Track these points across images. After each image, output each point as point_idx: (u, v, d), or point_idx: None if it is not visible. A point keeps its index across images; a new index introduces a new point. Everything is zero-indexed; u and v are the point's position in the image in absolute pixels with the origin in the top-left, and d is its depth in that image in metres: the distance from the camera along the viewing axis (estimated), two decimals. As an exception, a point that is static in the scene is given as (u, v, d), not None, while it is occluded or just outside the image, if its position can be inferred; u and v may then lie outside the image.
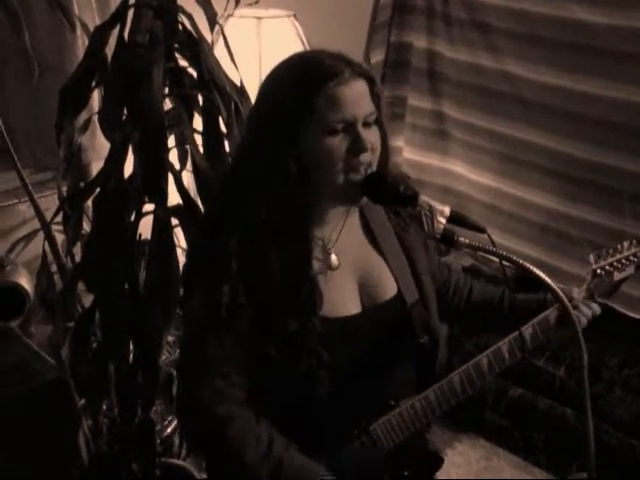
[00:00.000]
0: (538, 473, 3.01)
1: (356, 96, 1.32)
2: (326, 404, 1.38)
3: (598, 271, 1.66)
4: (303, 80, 1.31)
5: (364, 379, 1.44)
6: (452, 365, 1.56)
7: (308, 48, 2.60)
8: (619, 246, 1.70)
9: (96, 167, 2.06)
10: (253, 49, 2.52)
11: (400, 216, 1.55)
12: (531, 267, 1.31)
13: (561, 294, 1.34)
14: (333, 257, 1.44)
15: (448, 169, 3.52)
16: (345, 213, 1.47)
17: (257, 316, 1.34)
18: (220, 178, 1.51)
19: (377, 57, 3.52)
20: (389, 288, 1.50)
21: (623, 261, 1.69)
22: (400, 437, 1.46)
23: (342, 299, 1.44)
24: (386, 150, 1.43)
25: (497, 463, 3.07)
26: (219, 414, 1.35)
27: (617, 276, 1.70)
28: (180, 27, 1.89)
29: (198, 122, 1.97)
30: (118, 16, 1.84)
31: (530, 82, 3.07)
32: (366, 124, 1.34)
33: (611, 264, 1.67)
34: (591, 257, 1.66)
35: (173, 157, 1.98)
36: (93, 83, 1.92)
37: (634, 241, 1.73)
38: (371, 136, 1.36)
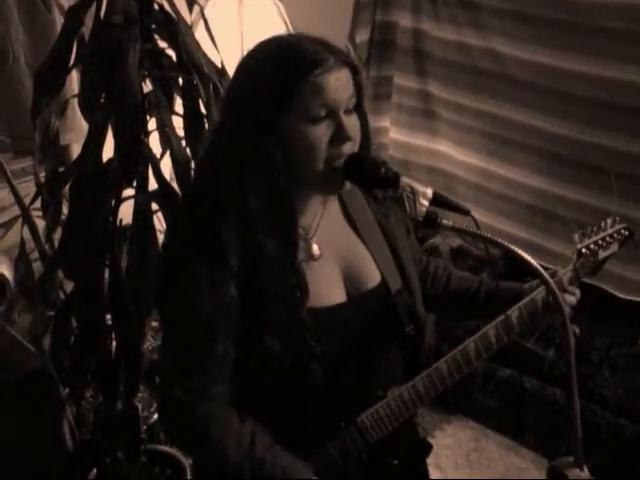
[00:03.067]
0: (527, 454, 3.01)
1: (339, 84, 1.29)
2: (317, 395, 1.35)
3: (583, 250, 1.64)
4: (287, 67, 1.27)
5: (352, 368, 1.41)
6: (441, 350, 1.54)
7: (291, 28, 2.57)
8: (602, 224, 1.69)
9: (78, 149, 2.01)
10: (235, 29, 2.48)
11: (380, 202, 1.52)
12: (516, 250, 1.28)
13: (547, 276, 1.31)
14: (315, 246, 1.40)
15: (435, 149, 3.50)
16: (324, 201, 1.43)
17: (246, 309, 1.31)
18: (198, 166, 1.47)
19: (362, 37, 3.48)
20: (373, 276, 1.47)
21: (607, 239, 1.68)
22: (389, 428, 1.44)
23: (326, 288, 1.40)
24: (368, 137, 1.40)
25: (486, 444, 3.08)
26: (200, 414, 1.32)
27: (602, 254, 1.69)
28: (158, 7, 1.85)
29: (180, 104, 1.93)
30: (93, -4, 1.80)
31: (517, 60, 3.04)
32: (347, 111, 1.32)
33: (595, 243, 1.66)
34: (576, 237, 1.65)
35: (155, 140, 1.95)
36: (70, 64, 1.88)
37: (617, 218, 1.72)
38: (352, 124, 1.33)
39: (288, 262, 1.32)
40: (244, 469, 1.32)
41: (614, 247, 1.71)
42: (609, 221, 1.70)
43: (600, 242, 1.67)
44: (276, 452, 1.34)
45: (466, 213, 1.32)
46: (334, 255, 1.42)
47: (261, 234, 1.29)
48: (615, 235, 1.70)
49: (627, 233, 1.73)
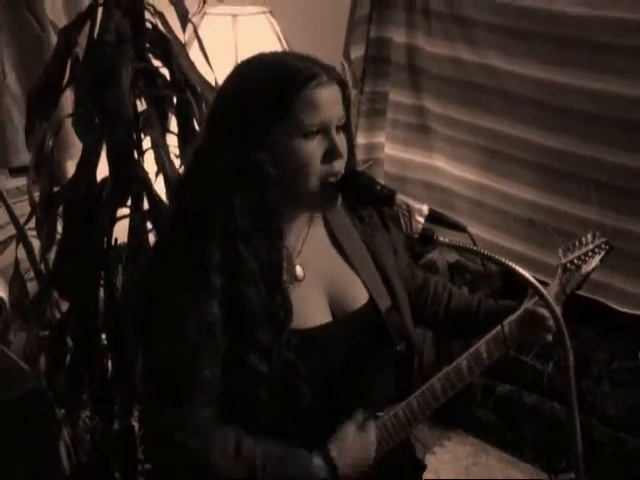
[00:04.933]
0: (527, 469, 2.99)
1: (331, 100, 1.31)
2: (308, 416, 1.34)
3: (568, 265, 1.68)
4: (280, 81, 1.27)
5: (343, 389, 1.40)
6: (440, 366, 1.53)
7: (285, 45, 2.57)
8: (584, 239, 1.73)
9: (72, 167, 2.00)
10: (229, 46, 2.48)
11: (365, 222, 1.52)
12: (511, 264, 1.28)
13: (542, 289, 1.31)
14: (298, 268, 1.39)
15: (431, 164, 3.49)
16: (308, 222, 1.43)
17: (230, 329, 1.29)
18: (182, 182, 1.45)
19: (357, 53, 3.48)
20: (360, 296, 1.46)
21: (589, 254, 1.72)
22: (385, 447, 1.42)
23: (311, 310, 1.39)
24: (353, 154, 1.40)
25: (486, 460, 3.06)
26: (179, 437, 1.29)
27: (585, 269, 1.72)
28: (151, 26, 1.85)
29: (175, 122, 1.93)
30: (86, 15, 1.80)
31: (511, 75, 3.04)
32: (337, 128, 1.32)
33: (579, 257, 1.70)
34: (560, 252, 1.69)
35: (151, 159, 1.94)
36: (63, 84, 1.88)
37: (597, 233, 1.76)
38: (342, 142, 1.34)
39: (271, 281, 1.31)
40: (236, 473, 1.29)
41: (596, 261, 1.74)
42: (589, 236, 1.74)
43: (583, 257, 1.71)
44: (265, 446, 1.31)
45: (462, 230, 1.32)
46: (318, 277, 1.42)
47: (245, 252, 1.28)
48: (596, 249, 1.74)
49: (607, 247, 1.76)
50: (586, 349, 2.94)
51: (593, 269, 1.73)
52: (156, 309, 1.32)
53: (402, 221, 1.30)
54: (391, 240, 1.57)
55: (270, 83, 1.28)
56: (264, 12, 2.58)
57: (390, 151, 3.63)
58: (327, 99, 1.29)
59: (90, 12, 1.81)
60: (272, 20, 2.59)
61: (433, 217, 1.32)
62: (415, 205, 1.31)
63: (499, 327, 1.54)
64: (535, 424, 2.99)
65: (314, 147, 1.29)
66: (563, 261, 1.67)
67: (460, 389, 1.50)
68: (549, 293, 1.60)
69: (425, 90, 3.39)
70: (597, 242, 1.74)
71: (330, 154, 1.31)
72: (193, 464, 1.32)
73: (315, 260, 1.42)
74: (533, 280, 1.28)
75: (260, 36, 2.54)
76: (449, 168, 3.42)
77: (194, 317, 1.26)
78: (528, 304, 1.59)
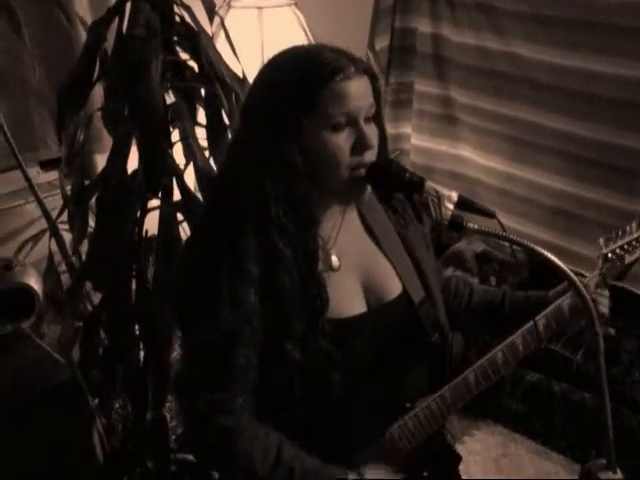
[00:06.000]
0: (557, 458, 2.98)
1: (360, 92, 1.31)
2: (341, 407, 1.35)
3: (609, 255, 1.62)
4: (308, 74, 1.29)
5: (376, 380, 1.40)
6: (469, 357, 1.52)
7: (311, 37, 2.58)
8: (627, 228, 1.66)
9: (102, 161, 2.03)
10: (255, 39, 2.49)
11: (399, 214, 1.53)
12: (544, 252, 1.27)
13: (574, 278, 1.30)
14: (334, 258, 1.40)
15: (457, 154, 3.49)
16: (343, 212, 1.44)
17: (267, 317, 1.31)
18: (218, 175, 1.47)
19: (382, 43, 3.49)
20: (394, 287, 1.46)
21: (633, 243, 1.65)
22: (418, 439, 1.43)
23: (346, 300, 1.40)
24: (385, 144, 1.41)
25: (515, 449, 3.05)
26: (224, 427, 1.31)
27: (628, 258, 1.65)
28: (179, 19, 1.87)
29: (203, 114, 1.95)
30: (115, 10, 1.82)
31: (537, 63, 3.03)
32: (366, 119, 1.33)
33: (621, 247, 1.64)
34: (601, 241, 1.63)
35: (179, 152, 1.97)
36: (93, 79, 1.90)
37: None
38: (371, 133, 1.34)
39: (307, 270, 1.32)
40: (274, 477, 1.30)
41: None
42: (634, 225, 1.67)
43: (626, 246, 1.64)
44: (304, 458, 1.33)
45: (491, 216, 1.32)
46: (353, 267, 1.42)
47: (280, 241, 1.30)
48: None
49: None
50: (615, 337, 2.92)
51: (637, 259, 1.66)
52: (194, 299, 1.34)
53: (432, 208, 1.30)
54: (423, 233, 1.57)
55: (298, 76, 1.29)
56: (289, 4, 2.59)
57: (417, 141, 3.63)
58: (355, 91, 1.29)
59: (119, 7, 1.83)
60: (297, 12, 2.60)
61: (462, 203, 1.31)
62: (444, 192, 1.31)
63: (537, 318, 1.52)
64: (565, 413, 2.98)
65: (342, 139, 1.30)
66: (604, 251, 1.61)
67: (493, 382, 1.48)
68: (589, 283, 1.58)
69: (451, 80, 3.39)
70: None
71: (360, 145, 1.31)
72: (232, 459, 1.34)
73: (350, 250, 1.42)
74: (562, 265, 1.28)
75: (285, 28, 2.55)
76: (476, 158, 3.42)
77: (232, 306, 1.28)
78: (563, 299, 1.55)
